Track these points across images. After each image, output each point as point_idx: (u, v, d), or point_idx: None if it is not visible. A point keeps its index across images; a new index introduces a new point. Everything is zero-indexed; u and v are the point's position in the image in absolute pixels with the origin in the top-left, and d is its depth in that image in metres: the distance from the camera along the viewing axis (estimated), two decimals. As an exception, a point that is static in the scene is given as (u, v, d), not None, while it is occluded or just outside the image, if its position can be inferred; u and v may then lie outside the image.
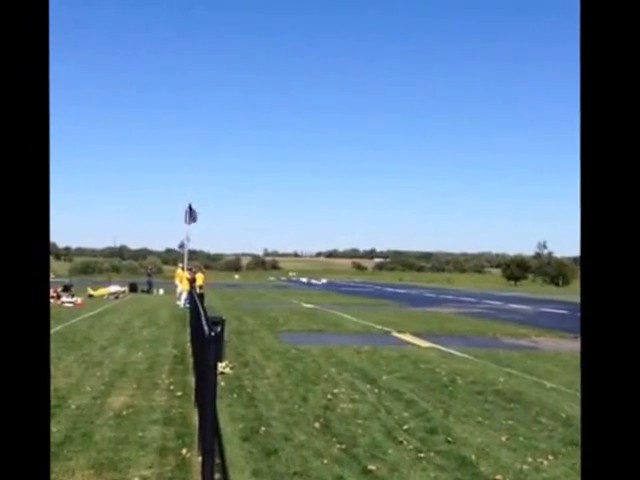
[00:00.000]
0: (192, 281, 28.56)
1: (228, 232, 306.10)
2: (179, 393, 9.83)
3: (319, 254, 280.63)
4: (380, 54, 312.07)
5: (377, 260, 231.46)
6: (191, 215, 35.86)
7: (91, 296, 35.77)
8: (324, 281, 79.85)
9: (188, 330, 17.03)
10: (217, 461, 4.64)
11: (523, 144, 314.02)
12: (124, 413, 8.58)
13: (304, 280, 77.54)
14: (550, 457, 6.91)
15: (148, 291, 42.89)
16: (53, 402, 9.10)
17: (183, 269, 32.55)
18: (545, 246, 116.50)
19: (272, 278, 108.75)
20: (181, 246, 36.23)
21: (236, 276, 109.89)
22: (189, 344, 14.71)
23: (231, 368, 12.10)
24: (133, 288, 43.39)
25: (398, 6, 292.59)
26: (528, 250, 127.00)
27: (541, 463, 6.77)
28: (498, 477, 6.34)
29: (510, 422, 8.50)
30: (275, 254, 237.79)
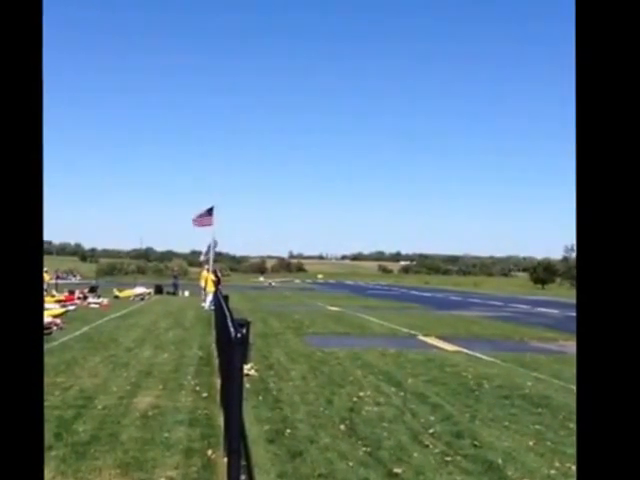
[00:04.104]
0: (217, 283, 28.66)
1: (253, 234, 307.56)
2: (205, 394, 9.86)
3: (344, 257, 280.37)
4: (407, 55, 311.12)
5: (403, 263, 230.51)
6: (206, 216, 34.66)
7: (117, 297, 36.06)
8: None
9: (213, 332, 17.09)
10: (243, 462, 4.64)
11: (551, 148, 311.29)
12: (150, 414, 8.62)
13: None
14: (578, 462, 6.81)
15: (174, 293, 43.14)
16: (80, 402, 9.18)
17: (208, 271, 32.62)
18: (573, 249, 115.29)
19: (297, 281, 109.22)
20: (211, 248, 35.54)
21: (261, 278, 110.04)
22: (214, 346, 14.75)
23: (256, 370, 12.11)
24: (159, 290, 43.70)
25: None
26: (555, 254, 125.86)
27: (569, 468, 6.68)
28: (525, 482, 6.28)
29: (537, 427, 8.42)
30: (300, 257, 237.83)
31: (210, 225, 33.93)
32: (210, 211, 33.92)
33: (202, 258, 36.25)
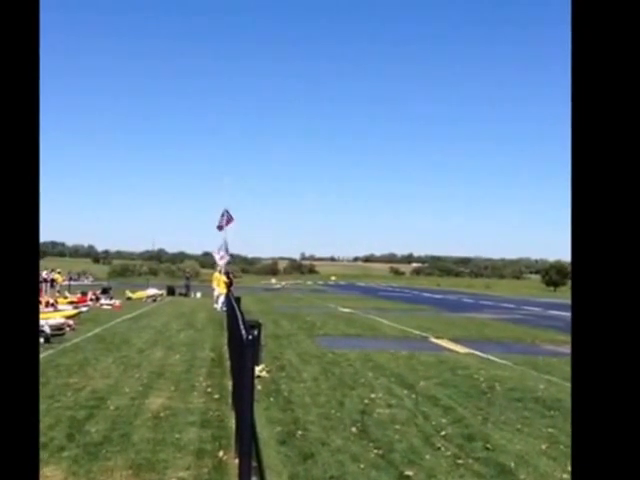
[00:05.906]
0: (229, 285, 28.69)
1: (265, 236, 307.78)
2: (216, 396, 9.86)
3: (356, 258, 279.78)
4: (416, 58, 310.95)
5: (415, 265, 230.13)
6: (227, 219, 34.80)
7: (129, 299, 36.21)
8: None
9: (225, 333, 17.10)
10: (254, 464, 4.63)
11: (562, 150, 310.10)
12: (162, 415, 8.63)
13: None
14: (591, 466, 6.76)
15: (186, 294, 43.21)
16: (92, 403, 9.21)
17: (220, 272, 32.64)
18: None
19: (310, 282, 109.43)
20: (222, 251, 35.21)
21: (273, 280, 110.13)
22: (226, 347, 14.76)
23: (268, 372, 12.10)
24: (171, 291, 43.81)
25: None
26: (568, 256, 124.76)
27: (582, 472, 6.63)
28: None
29: (550, 430, 8.36)
30: (312, 258, 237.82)
31: (229, 224, 34.12)
32: (225, 214, 34.25)
33: (219, 258, 36.02)
